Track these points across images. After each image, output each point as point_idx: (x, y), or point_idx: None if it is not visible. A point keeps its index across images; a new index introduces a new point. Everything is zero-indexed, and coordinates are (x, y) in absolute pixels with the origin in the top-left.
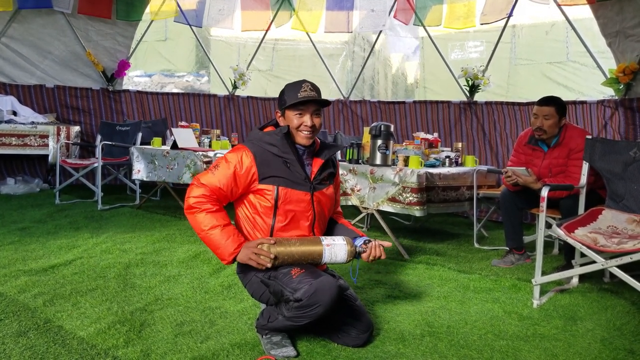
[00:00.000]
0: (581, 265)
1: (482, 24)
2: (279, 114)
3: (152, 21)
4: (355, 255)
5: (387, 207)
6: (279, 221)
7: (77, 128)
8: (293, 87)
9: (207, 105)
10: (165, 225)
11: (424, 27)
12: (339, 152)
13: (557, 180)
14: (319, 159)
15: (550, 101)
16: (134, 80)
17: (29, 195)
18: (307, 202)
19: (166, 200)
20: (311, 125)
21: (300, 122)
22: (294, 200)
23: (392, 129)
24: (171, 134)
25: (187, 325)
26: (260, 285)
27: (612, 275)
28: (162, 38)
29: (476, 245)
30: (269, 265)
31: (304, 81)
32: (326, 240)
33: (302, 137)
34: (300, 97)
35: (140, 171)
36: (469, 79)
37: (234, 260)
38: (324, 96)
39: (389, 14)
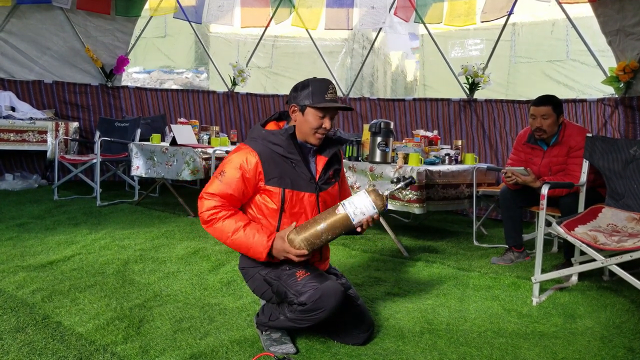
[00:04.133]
0: (581, 263)
1: (482, 22)
2: (296, 108)
3: (151, 17)
4: (387, 196)
5: (387, 205)
6: (285, 223)
7: (75, 124)
8: (319, 85)
9: (206, 102)
10: (164, 221)
11: (424, 24)
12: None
13: (556, 178)
14: (323, 157)
15: (546, 101)
16: (132, 76)
17: (27, 191)
18: (312, 203)
19: (165, 196)
20: (329, 128)
21: (319, 124)
22: (300, 202)
23: (391, 126)
24: (170, 130)
25: (186, 322)
26: (263, 283)
27: (612, 274)
28: (161, 34)
29: (475, 243)
30: (308, 257)
31: (330, 82)
32: (346, 203)
33: (315, 138)
34: (329, 100)
35: (139, 167)
36: (469, 76)
37: (270, 253)
38: None
39: (389, 11)
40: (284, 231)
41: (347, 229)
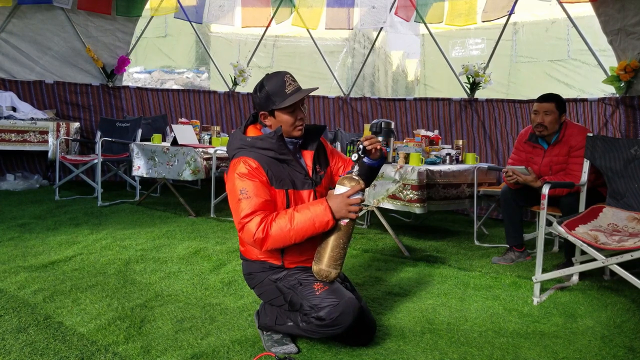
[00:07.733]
0: (581, 262)
1: (483, 22)
2: (266, 114)
3: (152, 17)
4: (358, 174)
5: (388, 205)
6: None
7: (76, 124)
8: (276, 84)
9: (207, 102)
10: (165, 221)
11: (425, 24)
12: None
13: (557, 178)
14: (309, 151)
15: (550, 97)
16: (133, 76)
17: (29, 192)
18: (311, 199)
19: (166, 196)
20: (304, 116)
21: (294, 119)
22: (301, 201)
23: (393, 125)
24: (171, 130)
25: (187, 322)
26: (274, 290)
27: (613, 273)
28: (162, 34)
29: (476, 242)
30: (363, 203)
31: (284, 74)
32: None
33: (297, 131)
34: (290, 93)
35: (140, 168)
36: (469, 76)
37: (334, 217)
38: (322, 93)
39: (390, 11)
40: (337, 195)
41: (354, 226)
